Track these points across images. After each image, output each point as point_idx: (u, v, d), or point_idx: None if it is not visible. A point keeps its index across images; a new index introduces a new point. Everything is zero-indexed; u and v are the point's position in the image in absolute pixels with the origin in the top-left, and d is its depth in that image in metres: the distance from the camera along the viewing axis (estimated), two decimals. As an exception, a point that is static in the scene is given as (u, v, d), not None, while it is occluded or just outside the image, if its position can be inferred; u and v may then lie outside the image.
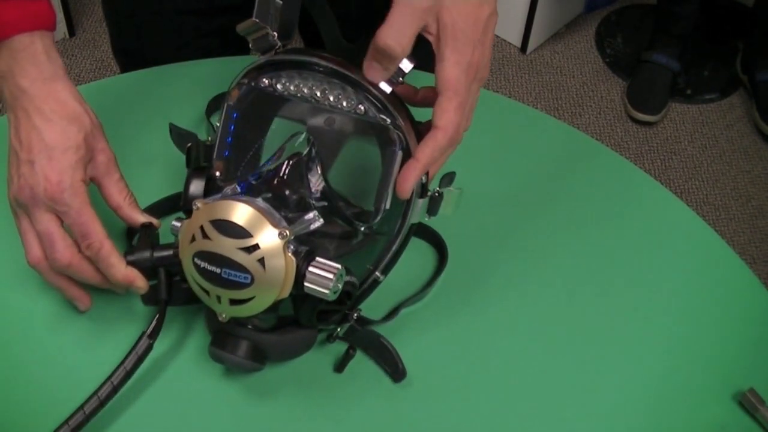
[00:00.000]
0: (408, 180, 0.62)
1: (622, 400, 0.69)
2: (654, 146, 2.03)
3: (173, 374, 0.67)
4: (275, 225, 0.59)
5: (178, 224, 0.63)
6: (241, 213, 0.58)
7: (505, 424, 0.67)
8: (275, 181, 0.62)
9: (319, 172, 0.65)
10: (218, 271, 0.59)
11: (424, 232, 0.76)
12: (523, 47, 2.19)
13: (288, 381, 0.68)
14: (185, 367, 0.68)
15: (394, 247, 0.67)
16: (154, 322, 0.64)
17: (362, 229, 0.65)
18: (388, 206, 0.64)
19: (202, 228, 0.59)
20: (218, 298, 0.60)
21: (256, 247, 0.58)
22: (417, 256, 0.76)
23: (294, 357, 0.66)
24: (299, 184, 0.62)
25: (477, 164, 0.84)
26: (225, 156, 0.68)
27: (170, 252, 0.64)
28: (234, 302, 0.60)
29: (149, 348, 0.63)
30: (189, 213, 0.63)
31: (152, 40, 0.99)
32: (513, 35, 2.20)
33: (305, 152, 0.64)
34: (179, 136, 0.73)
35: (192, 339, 0.69)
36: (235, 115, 0.67)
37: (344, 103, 0.63)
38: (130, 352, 0.63)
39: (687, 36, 2.10)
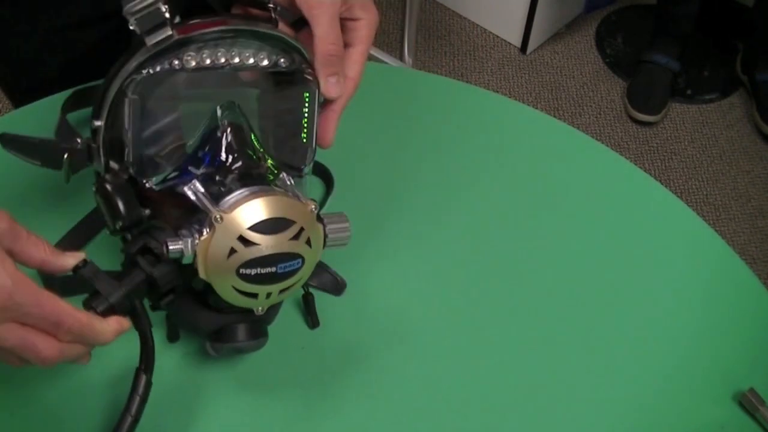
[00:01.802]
0: (332, 131, 0.66)
1: (621, 399, 0.69)
2: (654, 146, 2.03)
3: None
4: (302, 201, 0.59)
5: (179, 246, 0.56)
6: (276, 205, 0.56)
7: (506, 422, 0.67)
8: (230, 158, 0.60)
9: (253, 133, 0.64)
10: (273, 269, 0.57)
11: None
12: (523, 47, 2.19)
13: (287, 380, 0.68)
14: (177, 369, 0.68)
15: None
16: (145, 356, 0.57)
17: (304, 169, 0.66)
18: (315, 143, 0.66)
19: (242, 238, 0.56)
20: (268, 294, 0.59)
21: (301, 230, 0.57)
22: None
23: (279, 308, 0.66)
24: (250, 153, 0.62)
25: (477, 164, 0.84)
26: (143, 152, 0.62)
27: (142, 277, 0.57)
28: (283, 290, 0.59)
29: (149, 384, 0.58)
30: (124, 232, 0.58)
31: (36, 64, 0.89)
32: (513, 35, 2.20)
33: (240, 119, 0.62)
34: (29, 145, 0.61)
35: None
36: (141, 107, 0.61)
37: (265, 62, 0.62)
38: (131, 396, 0.57)
39: (687, 36, 2.10)
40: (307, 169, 0.67)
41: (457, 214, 0.80)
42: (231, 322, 0.62)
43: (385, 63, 2.00)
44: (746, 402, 0.68)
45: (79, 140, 0.61)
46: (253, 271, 0.56)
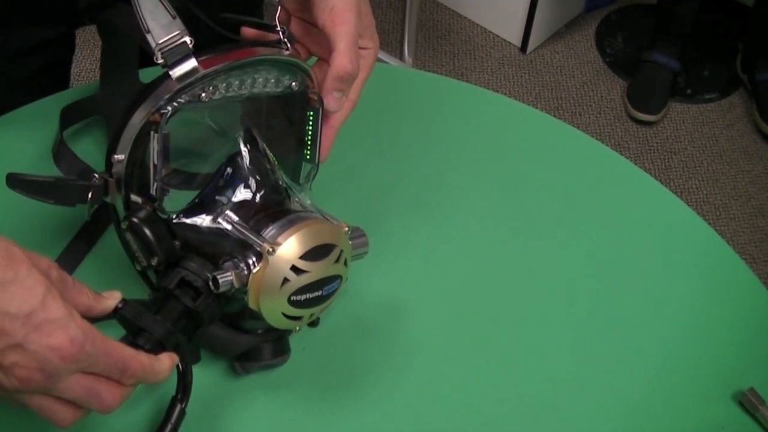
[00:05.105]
0: (328, 147, 0.67)
1: (621, 399, 0.69)
2: (654, 146, 2.03)
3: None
4: (336, 223, 0.60)
5: (229, 279, 0.56)
6: (321, 233, 0.58)
7: (506, 421, 0.67)
8: (255, 185, 0.62)
9: (267, 154, 0.64)
10: (320, 293, 0.59)
11: None
12: (523, 47, 2.19)
13: (288, 381, 0.68)
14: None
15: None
16: (183, 386, 0.58)
17: (308, 186, 0.67)
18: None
19: (294, 268, 0.57)
20: (311, 315, 0.60)
21: (341, 252, 0.59)
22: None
23: None
24: (273, 177, 0.63)
25: (477, 164, 0.84)
26: (166, 185, 0.62)
27: (180, 309, 0.57)
28: (323, 309, 0.61)
29: (182, 414, 0.58)
30: (159, 268, 0.58)
31: None
32: (513, 35, 2.20)
33: (260, 146, 0.63)
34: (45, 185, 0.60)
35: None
36: (169, 140, 0.60)
37: (282, 87, 0.63)
38: (164, 423, 0.57)
39: (687, 36, 2.10)
40: (310, 185, 0.68)
41: (456, 213, 0.80)
42: (261, 342, 0.64)
43: (385, 63, 2.00)
44: (746, 402, 0.68)
45: (96, 176, 0.60)
46: (303, 297, 0.58)
